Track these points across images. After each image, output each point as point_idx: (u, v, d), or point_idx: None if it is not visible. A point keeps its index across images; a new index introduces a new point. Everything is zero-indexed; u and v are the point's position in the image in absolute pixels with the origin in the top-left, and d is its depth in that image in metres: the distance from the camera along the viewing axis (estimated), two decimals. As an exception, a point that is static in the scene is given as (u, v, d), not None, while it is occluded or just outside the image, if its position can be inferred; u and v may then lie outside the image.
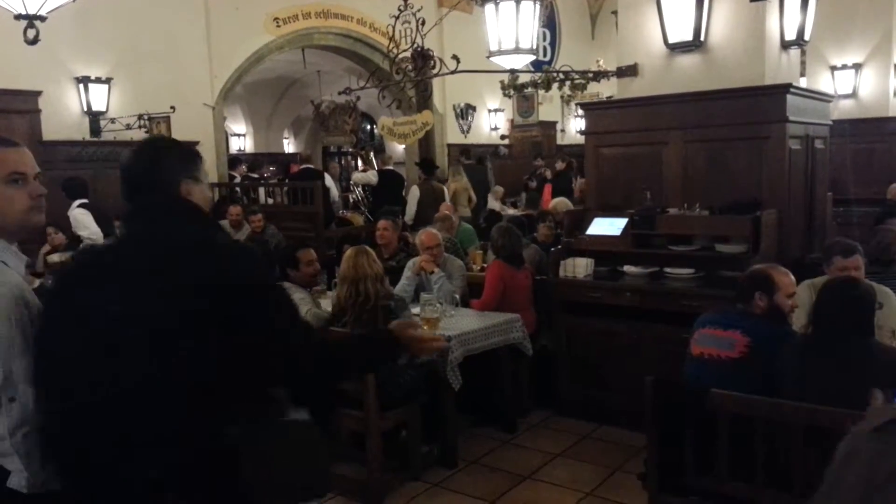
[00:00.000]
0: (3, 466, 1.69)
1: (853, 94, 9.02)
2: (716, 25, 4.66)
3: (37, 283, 4.35)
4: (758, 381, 2.74)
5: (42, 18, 3.97)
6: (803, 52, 7.06)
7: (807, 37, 4.84)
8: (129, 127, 7.54)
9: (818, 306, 2.79)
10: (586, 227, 4.94)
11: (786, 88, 4.40)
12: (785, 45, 4.78)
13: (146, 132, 7.57)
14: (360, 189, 10.44)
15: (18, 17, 3.93)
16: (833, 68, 9.06)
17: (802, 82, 7.34)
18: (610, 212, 4.91)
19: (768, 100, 4.42)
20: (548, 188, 10.24)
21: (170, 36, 8.19)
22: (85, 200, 6.25)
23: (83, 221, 6.31)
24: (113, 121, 7.62)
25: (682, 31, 4.68)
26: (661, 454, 2.86)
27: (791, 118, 4.41)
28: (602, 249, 4.81)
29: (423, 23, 5.25)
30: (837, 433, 2.35)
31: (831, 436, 2.40)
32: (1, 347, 1.65)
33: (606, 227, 4.82)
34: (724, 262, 4.41)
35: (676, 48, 4.75)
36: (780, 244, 4.42)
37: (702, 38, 4.66)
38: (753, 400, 2.62)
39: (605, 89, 8.82)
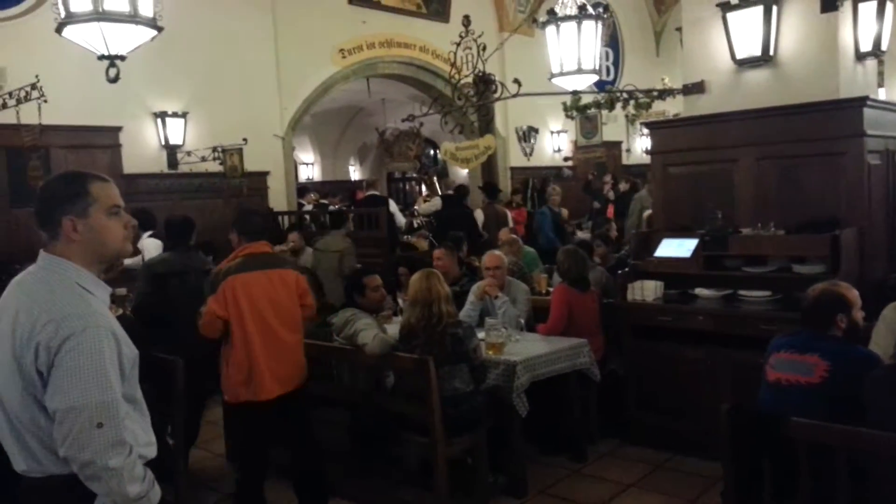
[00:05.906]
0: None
1: (938, 104, 8.58)
2: (785, 39, 4.53)
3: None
4: (840, 407, 2.60)
5: (122, 58, 4.15)
6: (881, 63, 6.76)
7: (884, 46, 4.66)
8: (203, 159, 7.83)
9: None
10: (654, 249, 4.83)
11: (862, 101, 4.23)
12: (860, 57, 4.61)
13: (220, 164, 7.85)
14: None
15: (101, 57, 4.12)
16: (915, 78, 8.65)
17: (881, 94, 7.03)
18: (679, 233, 4.79)
19: (843, 114, 4.27)
20: (610, 209, 10.10)
21: (241, 70, 8.51)
22: (153, 231, 6.41)
23: (153, 250, 6.10)
24: (189, 153, 7.93)
25: (750, 46, 4.57)
26: (738, 486, 2.73)
27: (869, 132, 4.24)
28: (671, 272, 4.69)
29: (484, 48, 5.27)
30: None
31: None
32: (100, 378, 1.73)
33: (675, 248, 4.70)
34: (802, 283, 4.21)
35: (745, 64, 4.64)
36: (862, 264, 4.22)
37: (771, 53, 4.54)
38: (833, 428, 2.48)
39: (671, 107, 8.64)
